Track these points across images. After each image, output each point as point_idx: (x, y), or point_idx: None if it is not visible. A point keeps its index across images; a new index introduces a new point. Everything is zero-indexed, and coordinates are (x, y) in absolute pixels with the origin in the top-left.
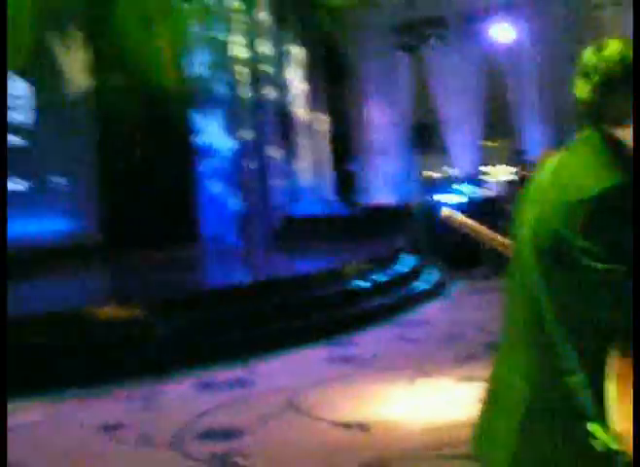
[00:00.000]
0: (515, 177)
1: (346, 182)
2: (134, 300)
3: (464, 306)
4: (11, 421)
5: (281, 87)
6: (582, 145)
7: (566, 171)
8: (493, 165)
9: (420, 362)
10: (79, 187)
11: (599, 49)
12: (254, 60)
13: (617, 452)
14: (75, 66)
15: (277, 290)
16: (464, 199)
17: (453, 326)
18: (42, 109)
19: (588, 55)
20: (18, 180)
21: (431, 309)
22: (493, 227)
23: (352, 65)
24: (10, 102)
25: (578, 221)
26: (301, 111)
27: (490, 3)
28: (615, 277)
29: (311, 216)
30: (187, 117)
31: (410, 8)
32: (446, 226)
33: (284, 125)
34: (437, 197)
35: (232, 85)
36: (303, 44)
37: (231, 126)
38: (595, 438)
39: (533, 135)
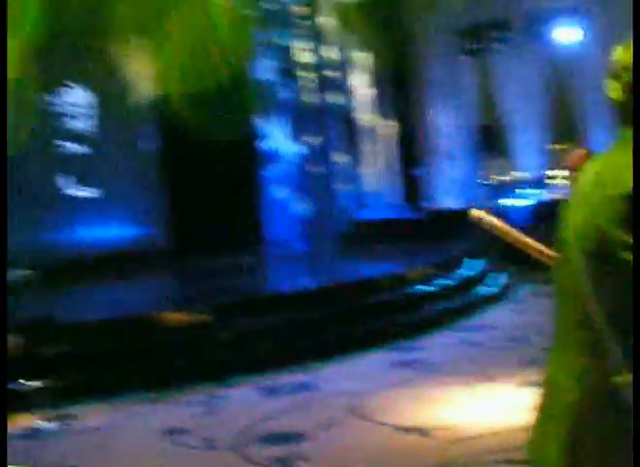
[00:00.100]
0: None
1: (412, 186)
2: (198, 305)
3: (529, 310)
4: (75, 426)
5: (346, 92)
6: (621, 145)
7: (607, 170)
8: (559, 168)
9: (483, 366)
10: (145, 193)
11: (629, 47)
12: (319, 66)
13: None
14: (140, 74)
15: (341, 295)
16: (530, 203)
17: (517, 330)
18: (107, 117)
19: (618, 55)
20: (86, 187)
21: (495, 314)
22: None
23: (417, 70)
24: (72, 111)
25: (619, 216)
26: (366, 116)
27: (554, 4)
28: None
29: (377, 220)
30: (252, 122)
31: (474, 11)
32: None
33: (350, 130)
34: (503, 200)
35: (298, 90)
36: (369, 49)
37: (297, 132)
38: None
39: (599, 138)
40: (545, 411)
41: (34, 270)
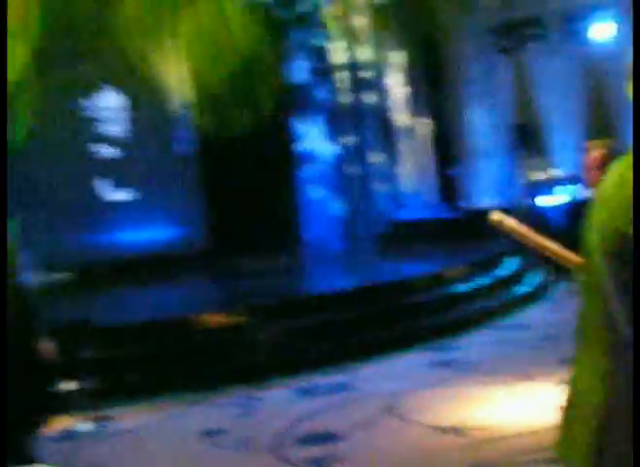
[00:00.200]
0: None
1: (448, 186)
2: (237, 306)
3: (566, 308)
4: (112, 427)
5: (382, 91)
6: None
7: (629, 172)
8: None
9: (520, 365)
10: (183, 195)
11: None
12: (354, 66)
13: None
14: (174, 76)
15: (379, 295)
16: (567, 201)
17: (555, 328)
18: (143, 120)
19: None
20: (124, 190)
21: (533, 312)
22: None
23: (452, 68)
24: (107, 114)
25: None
26: (401, 115)
27: (590, 1)
28: None
29: (414, 220)
30: (289, 123)
31: (509, 9)
32: (546, 228)
33: (385, 129)
34: (539, 199)
35: (333, 91)
36: (403, 48)
37: (333, 132)
38: None
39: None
40: (571, 410)
41: (71, 273)
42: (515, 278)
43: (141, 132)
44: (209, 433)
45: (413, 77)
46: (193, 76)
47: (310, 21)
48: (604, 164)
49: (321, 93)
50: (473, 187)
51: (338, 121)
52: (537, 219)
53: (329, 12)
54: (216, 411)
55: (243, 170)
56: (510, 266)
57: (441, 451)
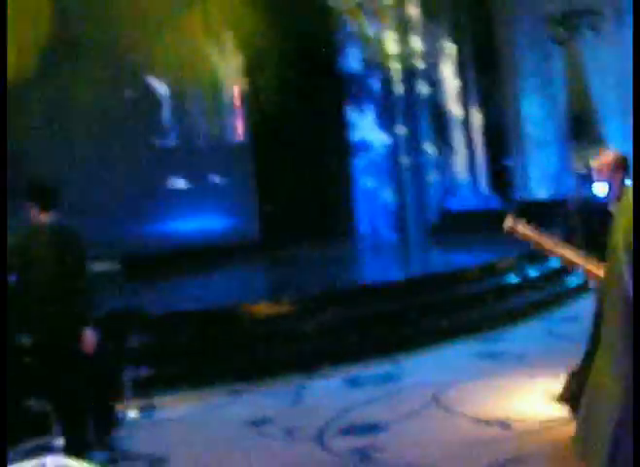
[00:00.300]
0: None
1: (501, 176)
2: (287, 296)
3: None
4: (159, 415)
5: (434, 81)
6: None
7: None
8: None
9: (568, 358)
10: (238, 185)
11: None
12: (407, 56)
13: None
14: (230, 67)
15: (428, 286)
16: None
17: None
18: (197, 110)
19: None
20: (177, 180)
21: (583, 304)
22: None
23: (506, 58)
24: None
25: None
26: (454, 105)
27: None
28: None
29: (466, 211)
30: (342, 112)
31: None
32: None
33: (438, 119)
34: (594, 189)
35: (386, 80)
36: (455, 38)
37: (386, 122)
38: None
39: None
40: (589, 409)
41: (121, 263)
42: (566, 270)
43: (194, 123)
44: (254, 422)
45: (467, 66)
46: (247, 66)
47: (365, 11)
48: (616, 168)
49: (374, 83)
50: (526, 177)
51: (391, 110)
52: (592, 209)
53: (382, 1)
54: (262, 400)
55: (296, 160)
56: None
57: (484, 444)
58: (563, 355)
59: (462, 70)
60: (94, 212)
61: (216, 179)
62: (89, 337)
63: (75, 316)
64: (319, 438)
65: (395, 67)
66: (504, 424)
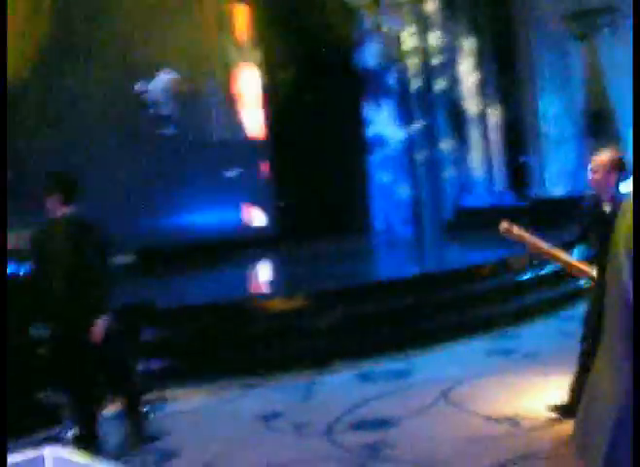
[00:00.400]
0: None
1: (518, 172)
2: (299, 291)
3: None
4: (171, 408)
5: (452, 77)
6: None
7: None
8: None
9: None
10: (253, 180)
11: None
12: (425, 51)
13: None
14: (247, 62)
15: (441, 282)
16: None
17: None
18: (216, 104)
19: None
20: (195, 174)
21: None
22: None
23: (524, 54)
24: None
25: None
26: (472, 101)
27: None
28: None
29: (482, 207)
30: (358, 108)
31: None
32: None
33: (455, 115)
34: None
35: (404, 76)
36: (474, 34)
37: (403, 117)
38: None
39: None
40: (587, 410)
41: (136, 256)
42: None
43: (211, 117)
44: (265, 417)
45: (484, 63)
46: (265, 61)
47: (384, 6)
48: (612, 169)
49: (392, 79)
50: (543, 174)
51: (409, 106)
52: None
53: None
54: (274, 395)
55: (312, 155)
56: (576, 254)
57: (494, 441)
58: (575, 354)
59: (480, 67)
60: (110, 207)
61: (232, 174)
62: (99, 327)
63: (91, 308)
64: (329, 433)
65: (413, 62)
66: (514, 422)
